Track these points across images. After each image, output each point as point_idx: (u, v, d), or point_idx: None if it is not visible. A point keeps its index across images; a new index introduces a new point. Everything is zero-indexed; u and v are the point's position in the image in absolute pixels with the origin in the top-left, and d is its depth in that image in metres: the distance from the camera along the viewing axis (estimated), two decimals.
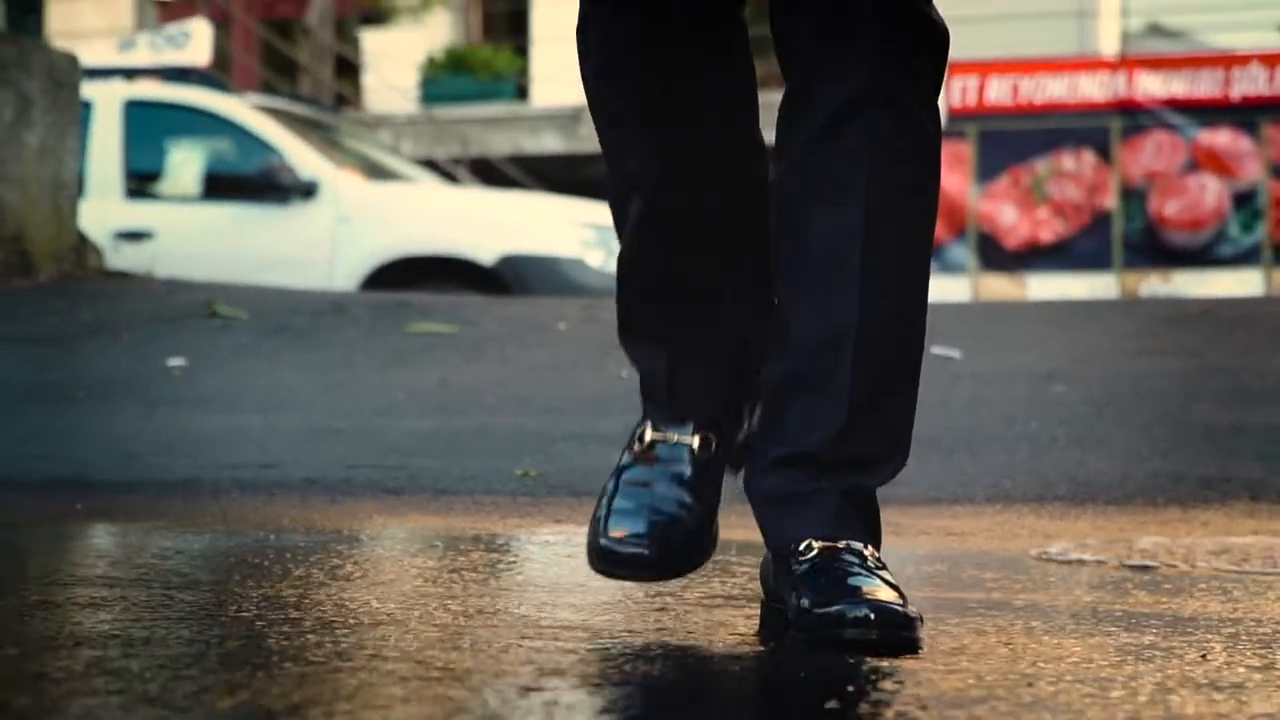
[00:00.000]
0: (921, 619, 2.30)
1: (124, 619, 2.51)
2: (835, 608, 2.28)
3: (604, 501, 2.47)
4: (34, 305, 8.31)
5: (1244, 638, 2.51)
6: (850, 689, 2.05)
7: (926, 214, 2.48)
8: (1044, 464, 5.38)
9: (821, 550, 2.37)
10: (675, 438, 2.49)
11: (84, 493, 4.90)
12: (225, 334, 7.81)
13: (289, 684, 1.97)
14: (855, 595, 2.29)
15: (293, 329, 7.92)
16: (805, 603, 2.32)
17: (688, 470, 2.46)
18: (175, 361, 7.24)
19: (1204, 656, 2.31)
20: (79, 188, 9.39)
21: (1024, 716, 1.86)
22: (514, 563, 3.62)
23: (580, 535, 3.99)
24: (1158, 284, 15.78)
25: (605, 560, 2.43)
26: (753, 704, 2.05)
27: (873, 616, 2.26)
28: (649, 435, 2.50)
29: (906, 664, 2.19)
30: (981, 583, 3.18)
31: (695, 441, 2.47)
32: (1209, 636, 2.52)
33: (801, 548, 2.37)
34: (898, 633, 2.26)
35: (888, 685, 2.06)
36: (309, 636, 2.34)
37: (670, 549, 2.42)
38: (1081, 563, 3.53)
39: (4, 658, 2.16)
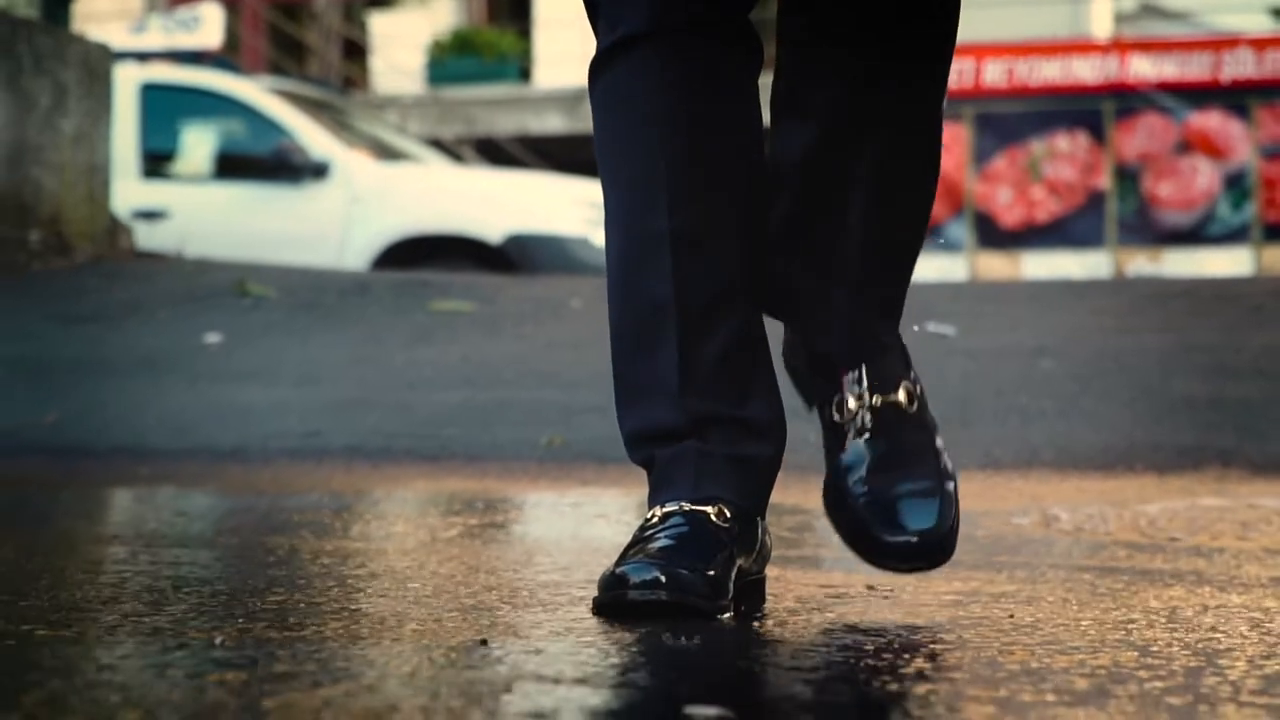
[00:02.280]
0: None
1: (219, 565, 2.80)
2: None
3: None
4: (73, 285, 8.42)
5: (1205, 584, 2.71)
6: (857, 619, 2.28)
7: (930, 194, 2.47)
8: (1032, 434, 5.56)
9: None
10: (688, 506, 2.28)
11: (145, 459, 5.15)
12: (256, 312, 7.92)
13: (381, 612, 2.24)
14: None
15: (321, 307, 8.03)
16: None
17: (704, 531, 2.27)
18: (212, 338, 7.38)
19: (1167, 597, 2.52)
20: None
21: (1003, 640, 2.10)
22: (550, 521, 3.87)
23: (605, 497, 4.32)
24: (1144, 264, 15.86)
25: (614, 585, 2.24)
26: (771, 632, 2.21)
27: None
28: (660, 512, 2.31)
29: (907, 600, 2.42)
30: (971, 536, 3.33)
31: (710, 511, 2.28)
32: (1173, 582, 2.71)
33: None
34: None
35: (893, 614, 2.30)
36: (383, 581, 2.60)
37: (680, 579, 2.22)
38: (1062, 523, 3.72)
39: (140, 592, 2.43)
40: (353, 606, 2.32)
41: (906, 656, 2.02)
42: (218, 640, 2.00)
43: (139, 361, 6.96)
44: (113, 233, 9.35)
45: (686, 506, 2.29)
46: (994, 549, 3.22)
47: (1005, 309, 8.21)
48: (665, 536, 2.27)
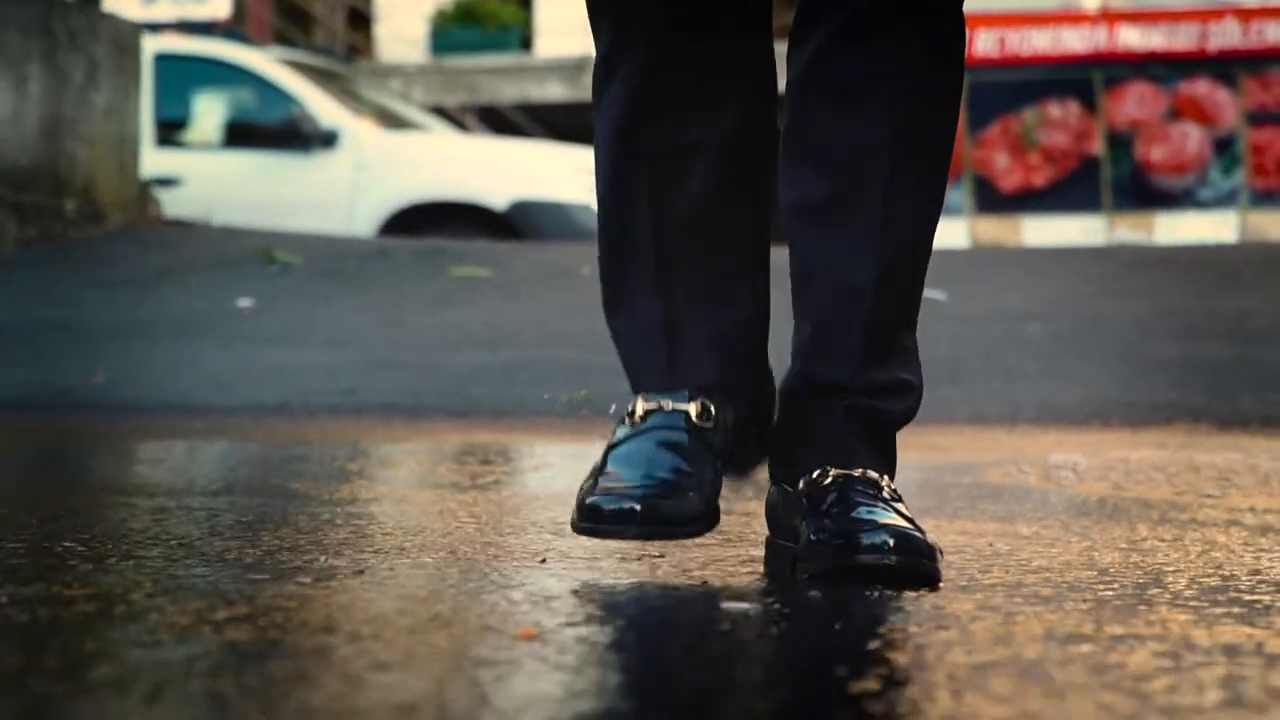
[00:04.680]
0: (941, 551, 2.17)
1: (292, 507, 3.05)
2: (849, 534, 2.13)
3: (592, 472, 2.27)
4: (107, 251, 8.65)
5: (1166, 523, 2.96)
6: None
7: (950, 131, 2.28)
8: (1016, 392, 5.82)
9: (835, 478, 2.21)
10: (670, 405, 2.25)
11: (196, 415, 5.43)
12: (284, 278, 8.15)
13: (448, 542, 2.53)
14: (871, 523, 2.14)
15: (344, 273, 8.24)
16: (817, 533, 2.16)
17: (683, 438, 2.22)
18: (243, 302, 7.61)
19: (1130, 533, 2.80)
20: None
21: (983, 563, 2.41)
22: (579, 468, 4.06)
23: None
24: (1126, 232, 16.03)
25: (589, 517, 2.17)
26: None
27: (891, 543, 2.11)
28: (641, 407, 2.26)
29: None
30: (958, 484, 3.64)
31: (693, 409, 2.25)
32: (1137, 522, 2.97)
33: (815, 475, 2.22)
34: (918, 560, 2.12)
35: None
36: (441, 518, 2.87)
37: (659, 509, 2.15)
38: (1042, 472, 3.98)
39: (230, 529, 2.72)
40: (419, 537, 2.62)
41: None
42: (323, 559, 2.33)
43: (176, 325, 7.20)
44: (141, 201, 9.60)
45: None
46: (977, 495, 3.45)
47: (994, 275, 8.39)
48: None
